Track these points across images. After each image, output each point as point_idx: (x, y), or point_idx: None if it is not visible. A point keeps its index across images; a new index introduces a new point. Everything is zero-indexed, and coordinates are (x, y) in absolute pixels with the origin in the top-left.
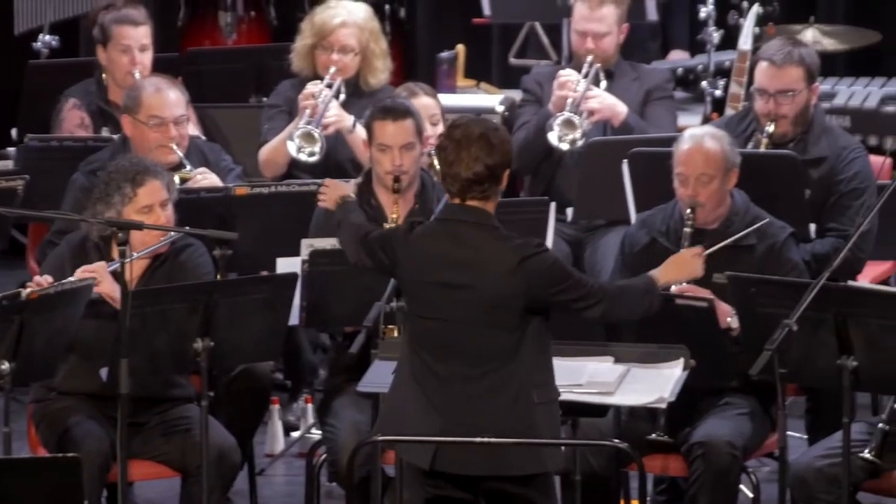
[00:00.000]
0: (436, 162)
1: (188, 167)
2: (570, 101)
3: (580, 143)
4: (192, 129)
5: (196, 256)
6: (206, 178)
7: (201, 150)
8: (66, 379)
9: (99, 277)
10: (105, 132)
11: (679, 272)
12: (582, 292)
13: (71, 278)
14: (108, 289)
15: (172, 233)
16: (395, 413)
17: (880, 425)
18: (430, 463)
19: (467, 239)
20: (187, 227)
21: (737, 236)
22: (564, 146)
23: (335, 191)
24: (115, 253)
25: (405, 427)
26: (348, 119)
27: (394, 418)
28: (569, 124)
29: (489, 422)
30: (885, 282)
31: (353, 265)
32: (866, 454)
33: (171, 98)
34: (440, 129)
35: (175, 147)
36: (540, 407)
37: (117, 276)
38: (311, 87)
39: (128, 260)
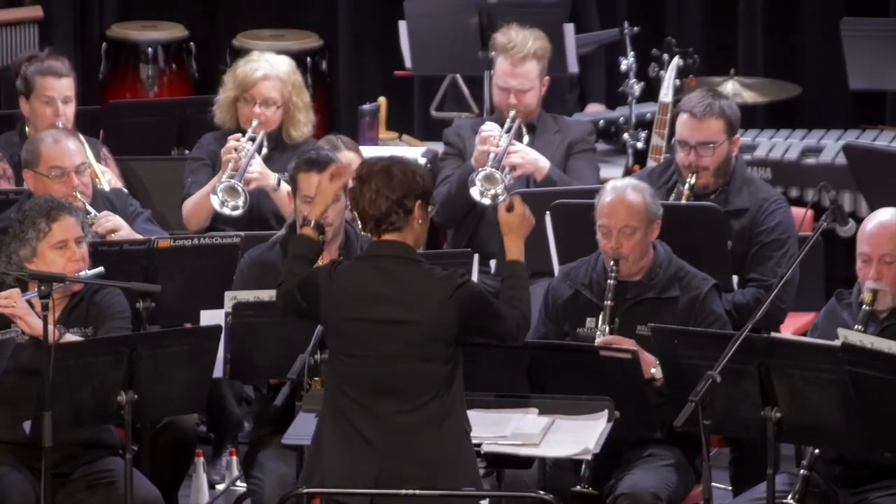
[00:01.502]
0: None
1: (93, 213)
2: (492, 156)
3: (502, 197)
4: (115, 182)
5: (111, 296)
6: (109, 220)
7: (107, 198)
8: None
9: (13, 303)
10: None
11: (519, 235)
12: (504, 321)
13: None
14: (23, 312)
15: (89, 274)
16: (324, 461)
17: (802, 472)
18: None
19: (393, 273)
20: (111, 280)
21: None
22: (486, 201)
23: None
24: (32, 288)
25: (337, 472)
26: (272, 177)
27: (323, 465)
28: (490, 179)
29: (427, 455)
30: (804, 334)
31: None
32: (789, 500)
33: (70, 148)
34: None
35: (79, 195)
36: (469, 439)
37: (33, 306)
38: (234, 140)
39: (52, 304)
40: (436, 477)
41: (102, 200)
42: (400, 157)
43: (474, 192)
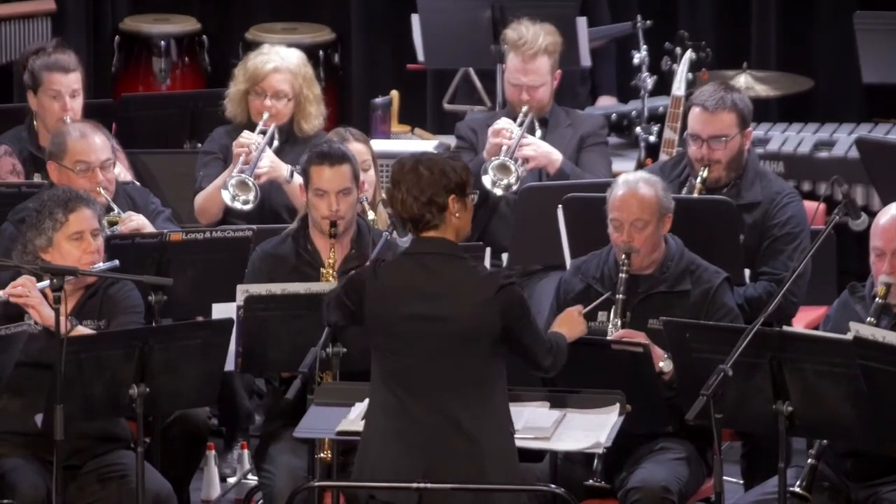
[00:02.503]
0: (367, 206)
1: (116, 211)
2: (504, 148)
3: (515, 187)
4: (125, 175)
5: (126, 290)
6: (133, 220)
7: (129, 195)
8: (0, 419)
9: (27, 292)
10: (37, 178)
11: (571, 330)
12: (540, 337)
13: (1, 294)
14: (36, 301)
15: (103, 266)
16: (371, 457)
17: (810, 461)
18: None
19: (437, 270)
20: (123, 273)
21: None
22: (498, 191)
23: None
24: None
25: (386, 469)
26: (284, 169)
27: (371, 461)
28: (503, 169)
29: (472, 451)
30: (816, 327)
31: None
32: (796, 488)
33: (96, 143)
34: (371, 174)
35: (102, 191)
36: (512, 438)
37: (47, 296)
38: (245, 134)
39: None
40: (482, 474)
41: (124, 197)
42: (430, 153)
43: (486, 181)
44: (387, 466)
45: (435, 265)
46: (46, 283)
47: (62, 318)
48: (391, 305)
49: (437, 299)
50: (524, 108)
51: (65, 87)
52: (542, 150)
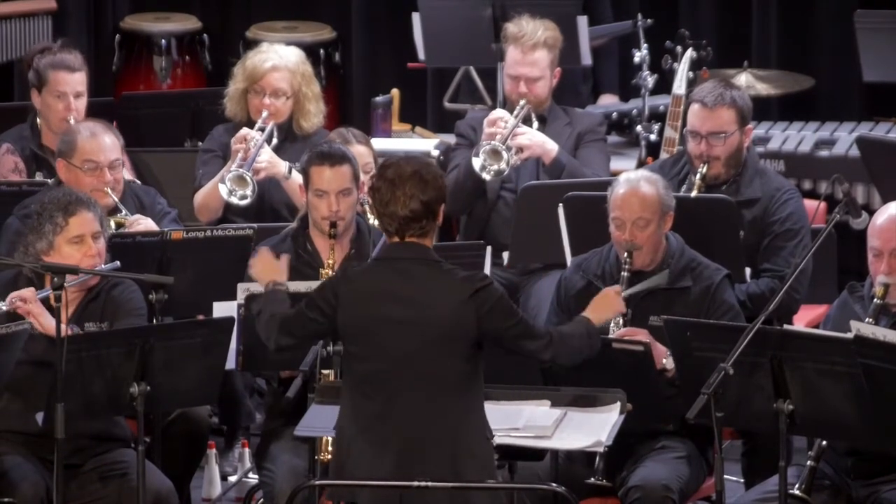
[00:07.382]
0: (367, 208)
1: (123, 212)
2: (498, 136)
3: (507, 172)
4: (126, 174)
5: (129, 292)
6: (140, 224)
7: (136, 195)
8: (0, 418)
9: (29, 304)
10: (39, 177)
11: (606, 311)
12: (531, 332)
13: (2, 304)
14: (37, 312)
15: (105, 267)
16: (347, 463)
17: (809, 462)
18: None
19: (412, 273)
20: (123, 271)
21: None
22: (487, 176)
23: (267, 267)
24: (49, 284)
25: (364, 475)
26: (282, 165)
27: (348, 468)
28: (495, 154)
29: (446, 453)
30: (816, 326)
31: (273, 351)
32: (795, 491)
33: (106, 143)
34: None
35: (110, 191)
36: (489, 443)
37: (47, 303)
38: (244, 132)
39: (61, 303)
40: (458, 477)
41: (131, 196)
42: (422, 159)
43: (476, 164)
44: (364, 471)
45: (410, 269)
46: (46, 292)
47: (63, 318)
48: (363, 309)
49: (410, 302)
50: (521, 102)
51: (70, 88)
52: (537, 140)
